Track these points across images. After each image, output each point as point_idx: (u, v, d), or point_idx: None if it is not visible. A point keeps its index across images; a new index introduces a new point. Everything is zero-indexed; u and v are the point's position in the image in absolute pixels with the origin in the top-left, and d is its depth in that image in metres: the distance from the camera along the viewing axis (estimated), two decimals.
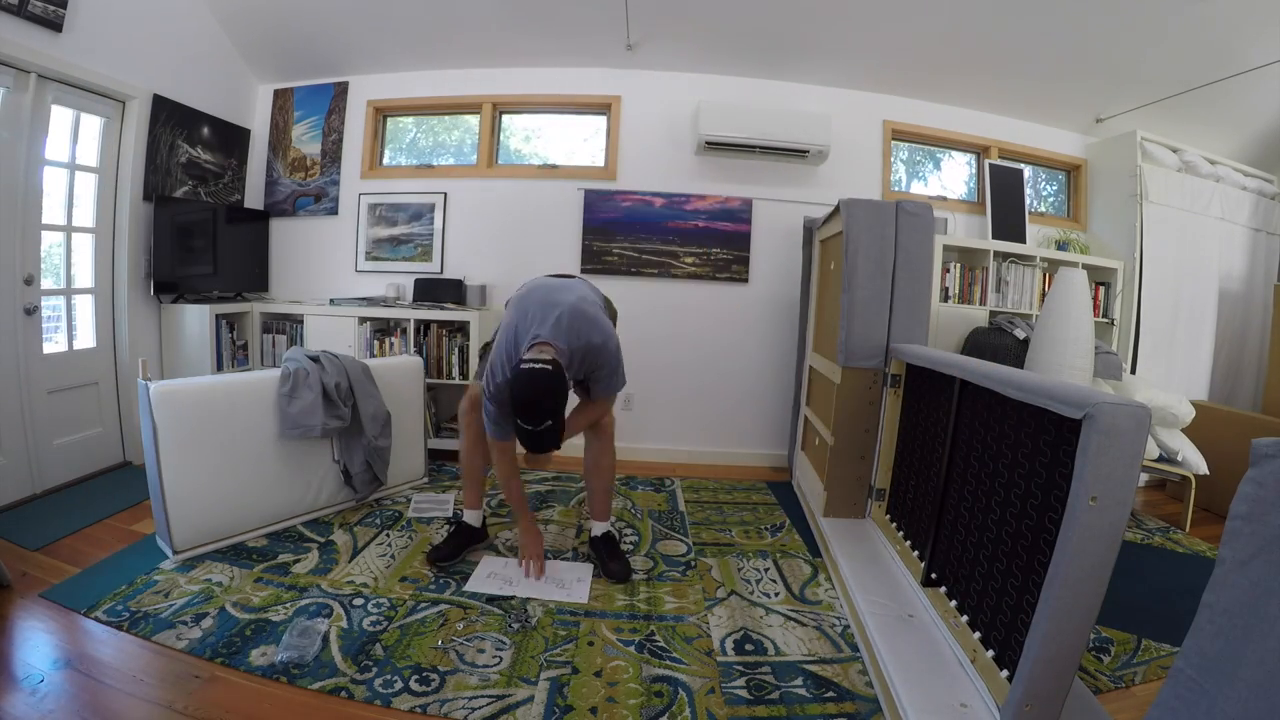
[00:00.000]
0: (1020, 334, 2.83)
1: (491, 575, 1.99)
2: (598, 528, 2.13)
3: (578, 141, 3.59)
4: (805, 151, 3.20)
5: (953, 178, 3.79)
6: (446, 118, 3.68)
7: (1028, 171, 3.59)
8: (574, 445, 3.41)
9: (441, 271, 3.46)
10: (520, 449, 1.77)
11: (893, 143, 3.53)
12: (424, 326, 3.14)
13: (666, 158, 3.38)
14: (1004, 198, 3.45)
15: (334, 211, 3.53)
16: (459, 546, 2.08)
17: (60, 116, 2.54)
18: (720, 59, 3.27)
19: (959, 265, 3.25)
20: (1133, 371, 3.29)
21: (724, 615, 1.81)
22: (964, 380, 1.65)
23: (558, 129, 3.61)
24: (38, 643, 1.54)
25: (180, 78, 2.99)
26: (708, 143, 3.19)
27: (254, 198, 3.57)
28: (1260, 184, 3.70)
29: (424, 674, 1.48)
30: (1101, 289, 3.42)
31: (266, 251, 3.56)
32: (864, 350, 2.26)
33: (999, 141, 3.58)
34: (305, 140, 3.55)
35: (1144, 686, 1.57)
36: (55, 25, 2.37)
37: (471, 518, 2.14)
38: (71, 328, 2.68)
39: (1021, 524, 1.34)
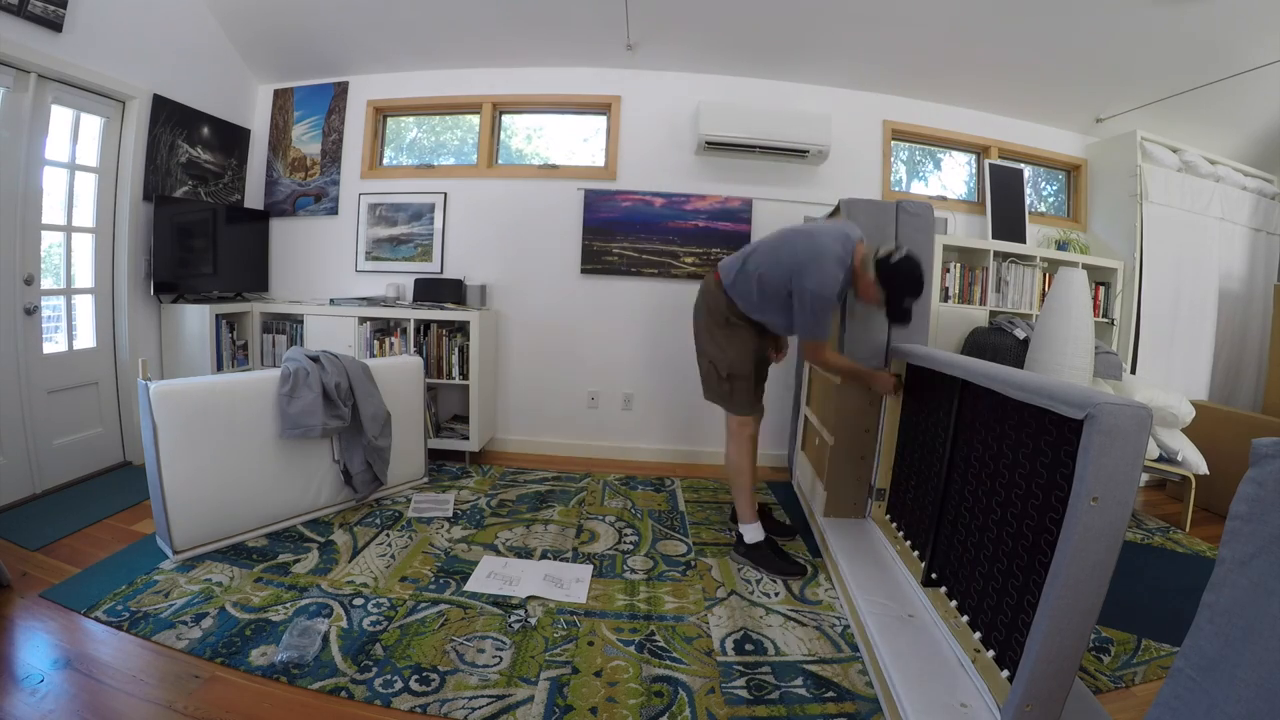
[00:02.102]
0: (1020, 334, 2.83)
1: (491, 575, 1.99)
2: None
3: (578, 141, 3.59)
4: (805, 151, 3.19)
5: (953, 177, 3.79)
6: (447, 118, 3.68)
7: (1028, 171, 3.59)
8: (570, 444, 3.45)
9: (441, 271, 3.46)
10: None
11: (893, 143, 3.53)
12: (424, 326, 3.14)
13: (666, 158, 3.38)
14: (1004, 198, 3.45)
15: (334, 211, 3.53)
16: (782, 552, 2.14)
17: (60, 116, 2.54)
18: (720, 59, 3.27)
19: (959, 265, 3.25)
20: (1133, 371, 3.29)
21: (724, 615, 1.81)
22: (965, 380, 1.65)
23: (558, 129, 3.61)
24: (38, 643, 1.54)
25: (180, 78, 2.99)
26: (708, 143, 3.19)
27: (254, 198, 3.57)
28: (1260, 184, 3.70)
29: (424, 674, 1.48)
30: (1101, 289, 3.42)
31: (266, 251, 3.56)
32: (864, 350, 2.26)
33: (999, 141, 3.58)
34: (305, 140, 3.55)
35: (1144, 686, 1.57)
36: (55, 25, 2.37)
37: (758, 530, 2.14)
38: (71, 328, 2.68)
39: (1022, 524, 1.34)
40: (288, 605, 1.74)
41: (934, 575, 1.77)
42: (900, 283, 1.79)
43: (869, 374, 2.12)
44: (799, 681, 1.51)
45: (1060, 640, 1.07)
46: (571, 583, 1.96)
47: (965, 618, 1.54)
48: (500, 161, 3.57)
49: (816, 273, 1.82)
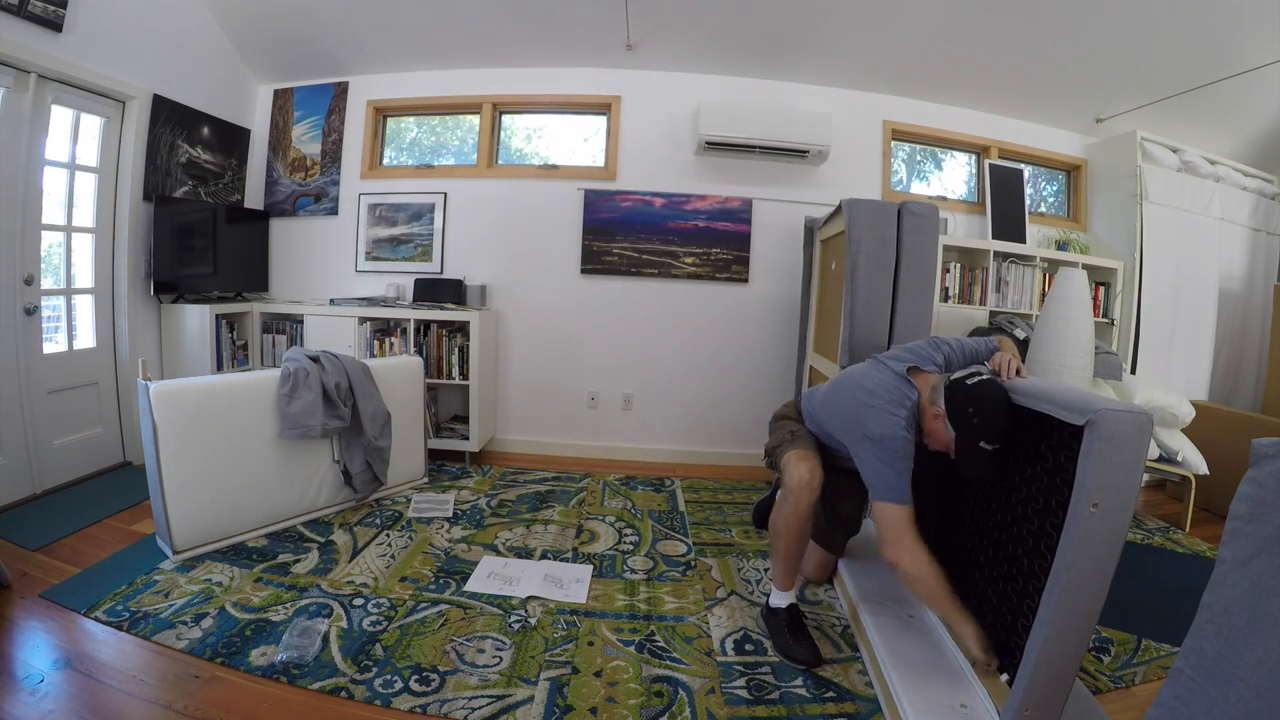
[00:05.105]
0: (1020, 334, 2.83)
1: (491, 575, 1.99)
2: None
3: (578, 141, 3.58)
4: (805, 151, 3.19)
5: (953, 177, 3.79)
6: (447, 118, 3.67)
7: (1028, 171, 3.59)
8: (570, 444, 3.45)
9: (441, 271, 3.46)
10: None
11: (893, 143, 3.53)
12: (424, 326, 3.14)
13: (666, 158, 3.38)
14: (1004, 198, 3.45)
15: (334, 211, 3.53)
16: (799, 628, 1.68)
17: (60, 116, 2.54)
18: (720, 59, 3.27)
19: (959, 265, 3.25)
20: (1133, 371, 3.29)
21: (724, 615, 1.81)
22: None
23: (558, 129, 3.61)
24: (38, 643, 1.54)
25: (180, 78, 2.99)
26: (708, 143, 3.19)
27: (254, 198, 3.57)
28: (1260, 184, 3.70)
29: (424, 674, 1.48)
30: (1101, 289, 3.42)
31: (266, 251, 3.56)
32: (866, 350, 2.25)
33: (999, 141, 3.58)
34: (305, 140, 3.55)
35: (1144, 686, 1.57)
36: (55, 25, 2.37)
37: (780, 596, 1.72)
38: (71, 328, 2.68)
39: (1022, 528, 1.34)
40: (288, 605, 1.74)
41: None
42: (973, 414, 1.36)
43: (960, 616, 1.41)
44: (799, 682, 1.51)
45: (1059, 645, 1.06)
46: (571, 583, 1.96)
47: None
48: (500, 161, 3.57)
49: (874, 414, 1.52)
